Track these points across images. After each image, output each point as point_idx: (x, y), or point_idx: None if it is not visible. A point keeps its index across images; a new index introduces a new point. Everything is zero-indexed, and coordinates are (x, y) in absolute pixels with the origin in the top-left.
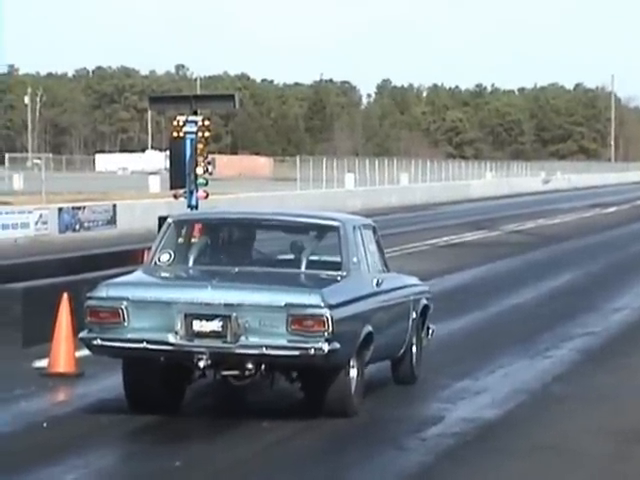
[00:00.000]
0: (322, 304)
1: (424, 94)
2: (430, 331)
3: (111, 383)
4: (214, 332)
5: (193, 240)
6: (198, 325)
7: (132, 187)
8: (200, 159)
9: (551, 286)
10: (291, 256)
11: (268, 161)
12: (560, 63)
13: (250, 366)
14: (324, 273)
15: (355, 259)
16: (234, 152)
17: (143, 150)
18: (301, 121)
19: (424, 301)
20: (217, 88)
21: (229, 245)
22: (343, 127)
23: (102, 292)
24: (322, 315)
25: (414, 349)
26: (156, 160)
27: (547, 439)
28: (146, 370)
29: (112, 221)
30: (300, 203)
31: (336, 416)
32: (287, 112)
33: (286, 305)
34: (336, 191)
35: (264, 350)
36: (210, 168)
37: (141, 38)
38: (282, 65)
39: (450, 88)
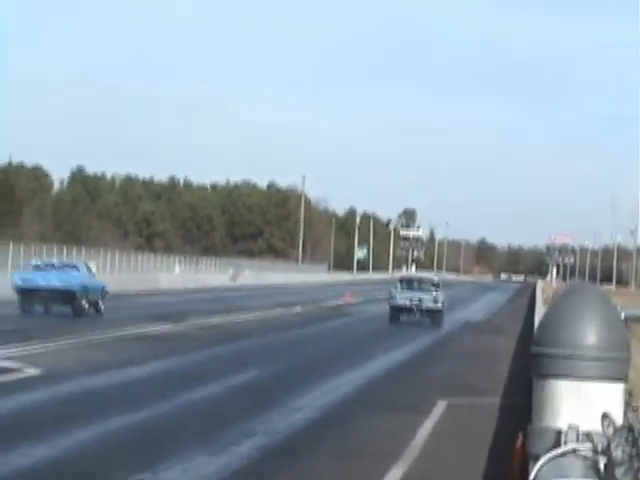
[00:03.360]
0: (439, 300)
1: (117, 183)
2: (444, 302)
3: None
4: (417, 303)
5: (401, 283)
6: (413, 300)
7: None
8: None
9: (235, 382)
10: (428, 286)
11: None
12: (254, 161)
13: (422, 310)
14: (435, 290)
15: (439, 286)
16: None
17: None
18: None
19: (444, 296)
20: None
21: (411, 284)
22: (33, 212)
23: (391, 292)
24: (439, 300)
25: (442, 307)
26: None
27: None
28: (398, 311)
29: None
30: None
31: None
32: None
33: (431, 297)
34: None
35: (427, 306)
36: None
37: None
38: None
39: (144, 179)
